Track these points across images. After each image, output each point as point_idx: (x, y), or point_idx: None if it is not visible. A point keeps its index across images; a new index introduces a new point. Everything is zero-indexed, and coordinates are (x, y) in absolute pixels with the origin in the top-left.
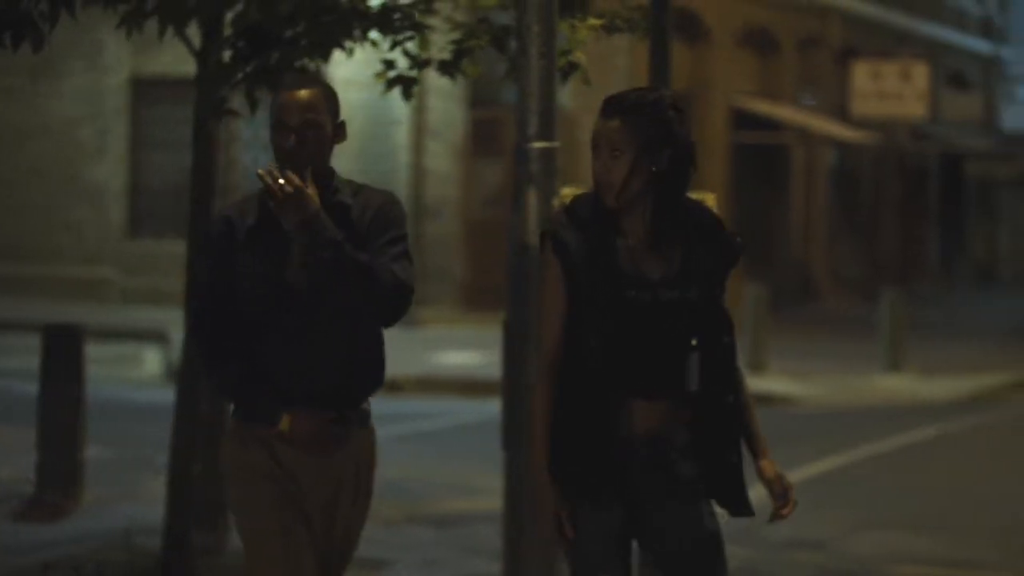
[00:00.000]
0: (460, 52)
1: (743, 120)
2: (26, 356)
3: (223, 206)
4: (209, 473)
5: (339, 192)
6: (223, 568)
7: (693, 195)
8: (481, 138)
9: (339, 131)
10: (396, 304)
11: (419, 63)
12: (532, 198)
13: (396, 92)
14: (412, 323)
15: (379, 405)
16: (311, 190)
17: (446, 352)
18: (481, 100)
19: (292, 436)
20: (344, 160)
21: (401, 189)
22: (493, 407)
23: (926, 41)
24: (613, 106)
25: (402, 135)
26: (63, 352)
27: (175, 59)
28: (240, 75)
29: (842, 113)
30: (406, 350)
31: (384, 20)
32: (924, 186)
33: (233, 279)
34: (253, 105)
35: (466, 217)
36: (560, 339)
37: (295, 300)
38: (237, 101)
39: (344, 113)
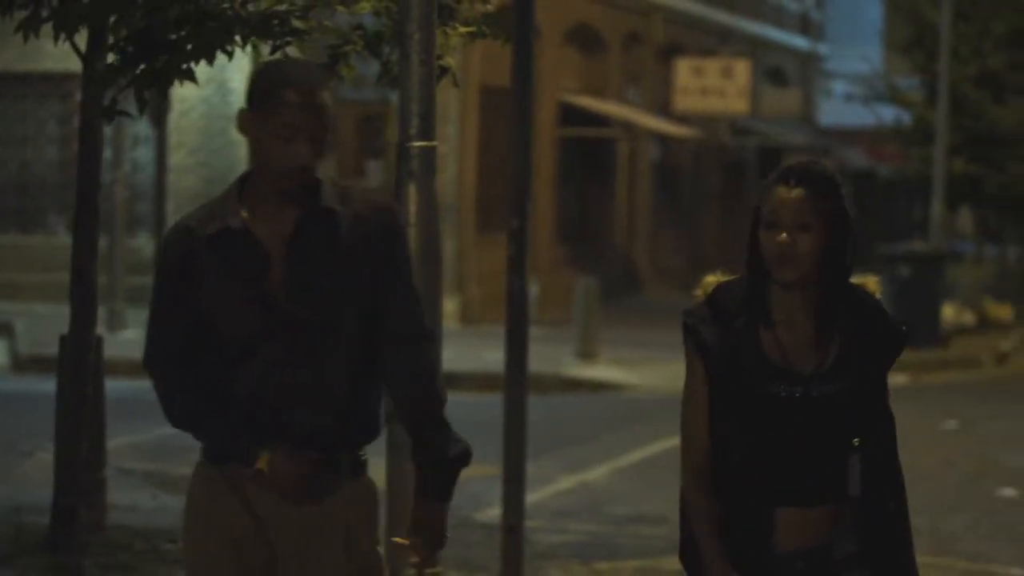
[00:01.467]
0: (336, 56)
1: (570, 115)
2: None
3: (183, 216)
4: (92, 454)
5: (323, 195)
6: (106, 542)
7: (853, 279)
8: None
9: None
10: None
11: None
12: (413, 194)
13: (236, 88)
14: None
15: None
16: None
17: None
18: None
19: (271, 478)
20: (183, 154)
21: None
22: None
23: (747, 38)
24: (797, 175)
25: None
26: None
27: (17, 56)
28: (129, 77)
29: (665, 109)
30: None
31: (264, 26)
32: (743, 180)
33: (199, 299)
34: (142, 106)
35: None
36: (708, 446)
37: (280, 322)
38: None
39: (184, 108)
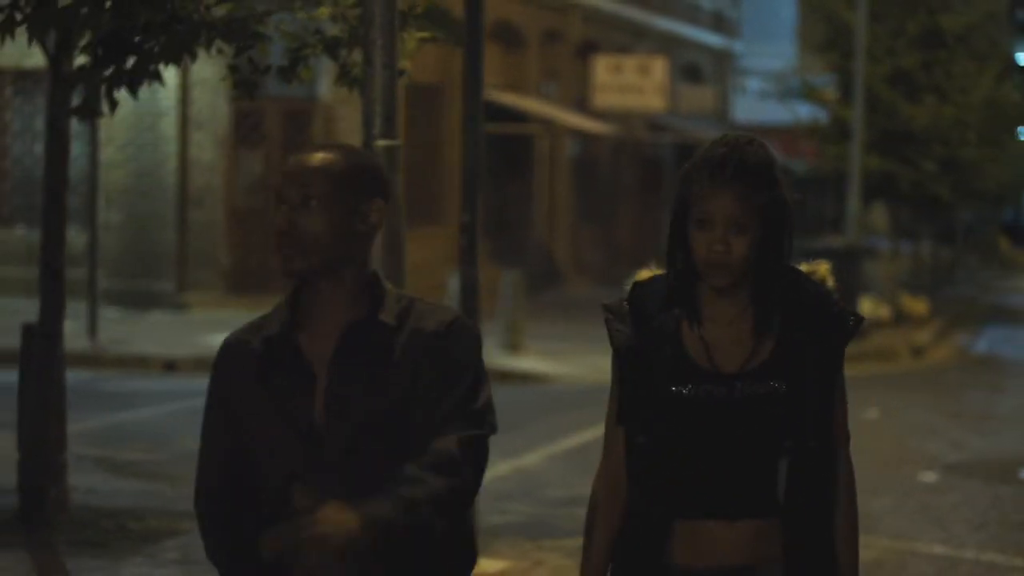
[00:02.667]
0: (296, 59)
1: (490, 112)
2: None
3: (237, 329)
4: (55, 438)
5: (380, 307)
6: (72, 521)
7: (803, 266)
8: (243, 129)
9: (365, 213)
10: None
11: (261, 69)
12: None
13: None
14: (179, 307)
15: (157, 384)
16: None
17: (215, 334)
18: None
19: None
20: (111, 150)
21: (168, 178)
22: None
23: (662, 35)
24: (732, 167)
25: (169, 126)
26: None
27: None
28: (98, 78)
29: (583, 105)
30: (178, 332)
31: (228, 30)
32: (659, 175)
33: (241, 430)
34: (112, 105)
35: (229, 205)
36: (622, 451)
37: (323, 457)
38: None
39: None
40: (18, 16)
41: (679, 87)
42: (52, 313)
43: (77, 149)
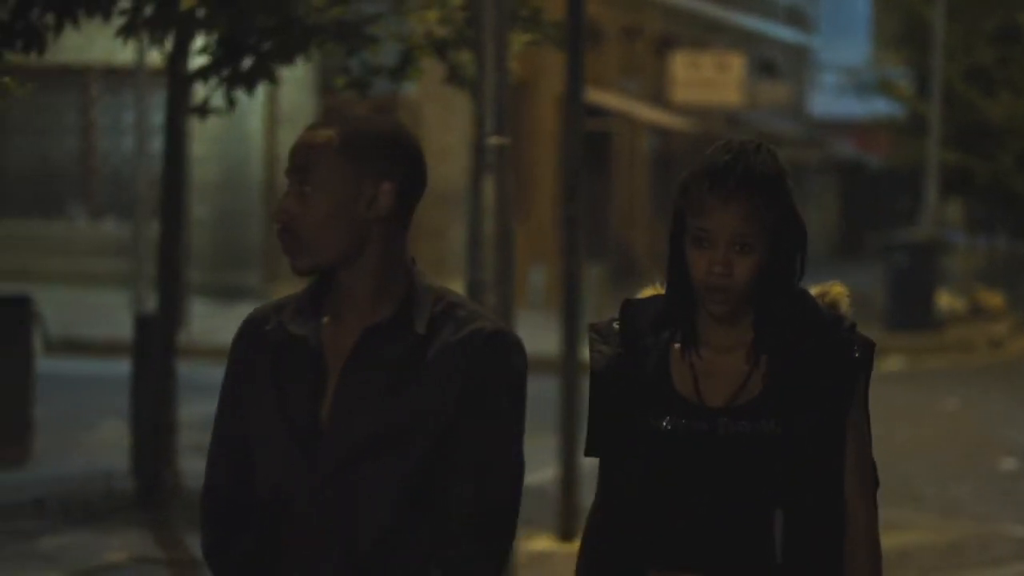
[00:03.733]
0: (406, 60)
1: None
2: None
3: (263, 304)
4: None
5: (410, 310)
6: (186, 503)
7: (814, 288)
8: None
9: (374, 196)
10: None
11: (372, 70)
12: (489, 185)
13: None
14: (266, 299)
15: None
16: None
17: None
18: (329, 88)
19: None
20: (199, 146)
21: (255, 173)
22: None
23: (738, 30)
24: (737, 178)
25: (255, 121)
26: (17, 324)
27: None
28: (218, 78)
29: (661, 100)
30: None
31: (340, 33)
32: None
33: (248, 418)
34: (231, 102)
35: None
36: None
37: (316, 468)
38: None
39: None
40: (140, 19)
41: (756, 82)
42: (170, 305)
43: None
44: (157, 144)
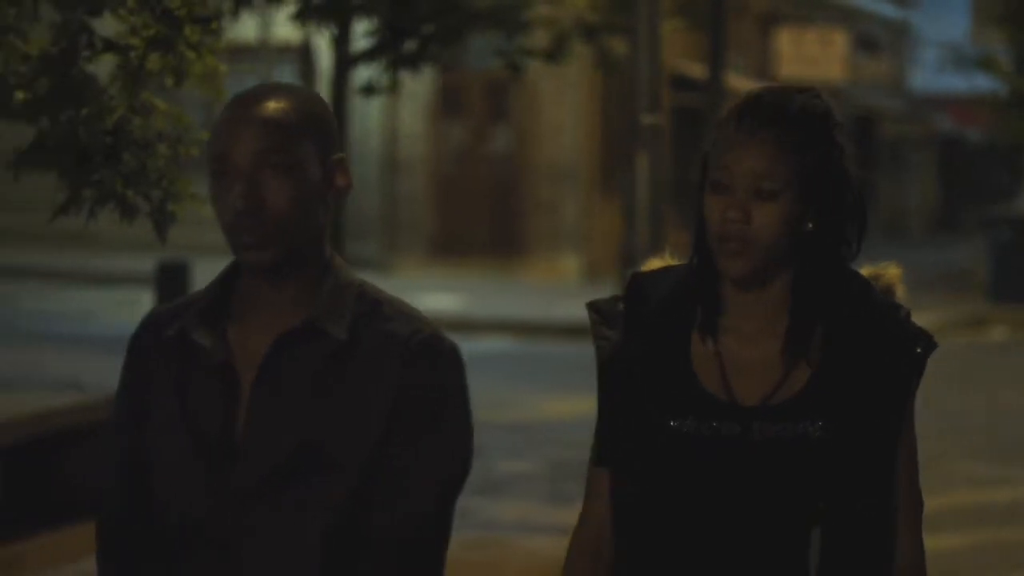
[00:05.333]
0: (559, 44)
1: (679, 83)
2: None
3: (166, 303)
4: None
5: (328, 312)
6: None
7: (864, 268)
8: (447, 101)
9: (331, 175)
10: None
11: (528, 52)
12: (644, 162)
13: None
14: (386, 269)
15: None
16: None
17: (421, 294)
18: (447, 66)
19: None
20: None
21: (375, 147)
22: (476, 343)
23: (840, 7)
24: (764, 115)
25: (376, 98)
26: (177, 289)
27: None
28: (385, 59)
29: (766, 77)
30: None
31: (497, 18)
32: None
33: (146, 440)
34: (394, 85)
35: (433, 172)
36: (605, 510)
37: (230, 490)
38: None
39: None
40: (311, 6)
41: (857, 58)
42: None
43: None
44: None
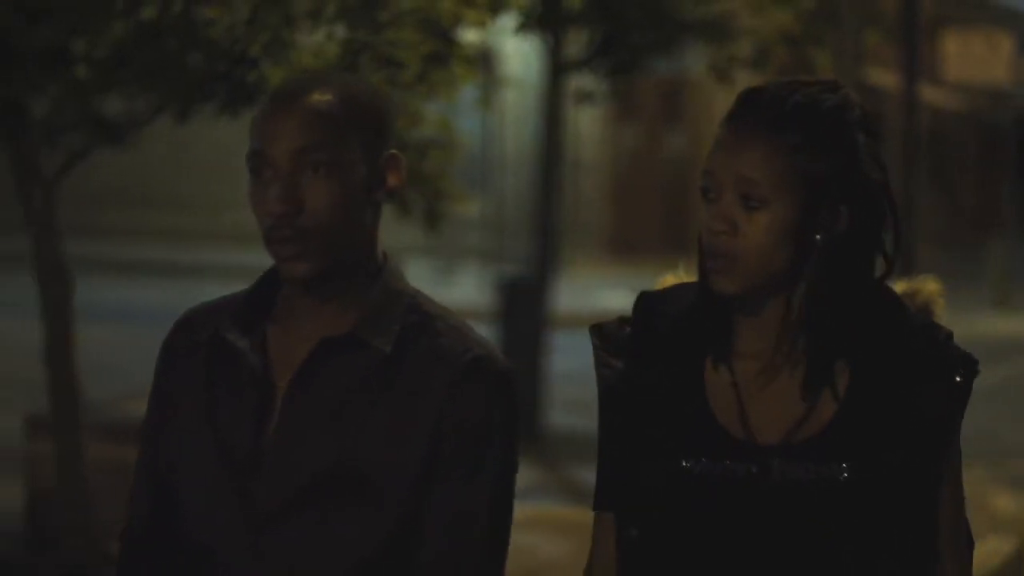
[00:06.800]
0: (763, 54)
1: (866, 92)
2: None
3: (201, 303)
4: None
5: (373, 322)
6: (552, 446)
7: (898, 284)
8: (622, 104)
9: (381, 173)
10: None
11: (733, 61)
12: None
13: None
14: (564, 267)
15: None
16: None
17: (598, 292)
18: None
19: None
20: (504, 123)
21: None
22: None
23: (1004, 8)
24: (755, 110)
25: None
26: None
27: None
28: (600, 68)
29: (931, 79)
30: (566, 292)
31: (706, 28)
32: (1001, 146)
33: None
34: (614, 93)
35: (610, 173)
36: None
37: (255, 507)
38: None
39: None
40: (533, 16)
41: (1020, 60)
42: (542, 270)
43: (473, 123)
44: (468, 123)
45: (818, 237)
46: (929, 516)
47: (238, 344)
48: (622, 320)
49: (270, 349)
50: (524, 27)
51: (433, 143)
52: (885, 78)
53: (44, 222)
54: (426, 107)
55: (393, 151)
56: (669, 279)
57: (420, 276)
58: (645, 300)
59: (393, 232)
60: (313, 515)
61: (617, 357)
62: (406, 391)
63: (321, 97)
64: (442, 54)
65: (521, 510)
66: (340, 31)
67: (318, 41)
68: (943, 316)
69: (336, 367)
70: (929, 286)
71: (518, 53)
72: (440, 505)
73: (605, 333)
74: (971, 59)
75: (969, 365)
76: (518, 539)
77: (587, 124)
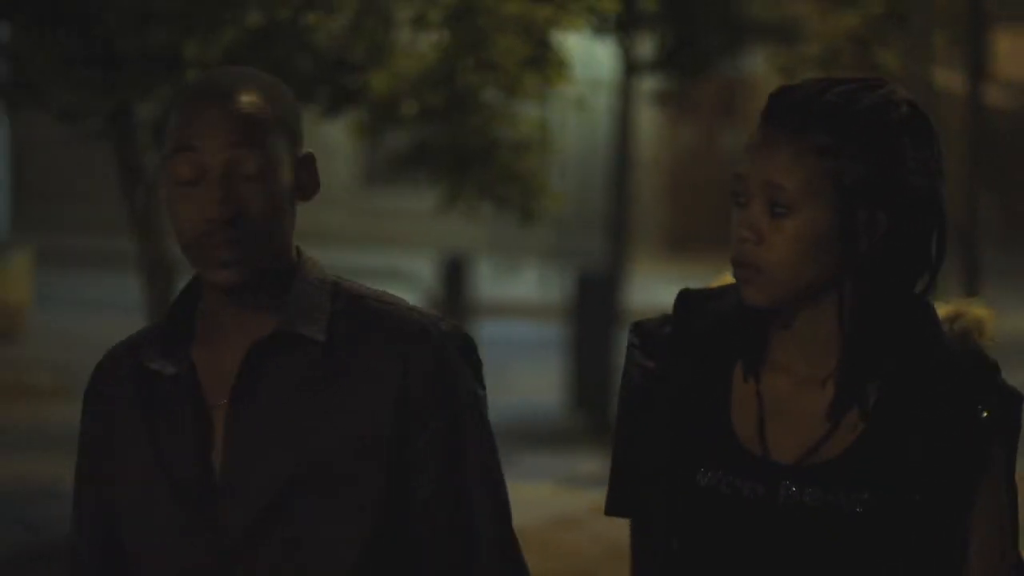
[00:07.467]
0: (830, 56)
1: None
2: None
3: (116, 344)
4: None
5: (300, 315)
6: None
7: (942, 308)
8: (680, 102)
9: (300, 174)
10: None
11: (802, 62)
12: None
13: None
14: (624, 263)
15: None
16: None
17: (657, 288)
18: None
19: None
20: (562, 120)
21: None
22: None
23: None
24: (785, 110)
25: (611, 98)
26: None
27: None
28: (669, 69)
29: (983, 76)
30: (633, 287)
31: (776, 32)
32: None
33: (113, 493)
34: (679, 94)
35: (667, 171)
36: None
37: (219, 539)
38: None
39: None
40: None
41: None
42: (616, 272)
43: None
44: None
45: (856, 246)
46: (951, 559)
47: (166, 372)
48: (664, 318)
49: (200, 371)
50: (602, 30)
51: (523, 144)
52: (943, 77)
53: (147, 222)
54: (519, 108)
55: (308, 151)
56: (727, 277)
57: (483, 274)
58: (686, 298)
59: (456, 231)
60: (286, 532)
61: (651, 358)
62: (355, 376)
63: (250, 97)
64: (537, 57)
65: (593, 501)
66: (444, 37)
67: (418, 47)
68: (992, 342)
69: (273, 371)
70: (975, 311)
71: (585, 54)
72: (432, 482)
73: (645, 330)
74: (1022, 56)
75: (1007, 398)
76: (592, 526)
77: (645, 123)
